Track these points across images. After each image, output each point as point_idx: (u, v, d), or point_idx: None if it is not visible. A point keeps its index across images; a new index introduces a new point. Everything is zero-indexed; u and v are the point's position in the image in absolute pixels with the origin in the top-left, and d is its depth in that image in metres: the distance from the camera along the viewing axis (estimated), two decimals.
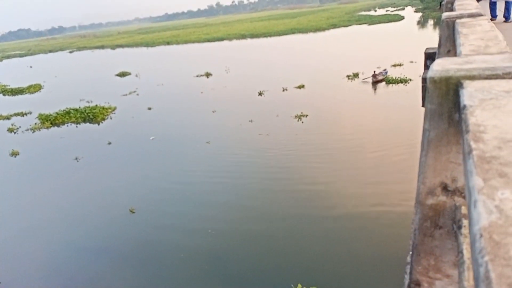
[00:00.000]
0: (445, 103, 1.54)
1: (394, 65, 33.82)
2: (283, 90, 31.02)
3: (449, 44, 3.64)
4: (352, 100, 26.34)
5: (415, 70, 30.37)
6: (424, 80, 3.72)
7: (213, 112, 27.40)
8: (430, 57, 5.37)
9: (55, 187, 17.97)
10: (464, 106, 1.26)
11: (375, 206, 12.93)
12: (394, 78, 29.58)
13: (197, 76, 43.38)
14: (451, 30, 3.55)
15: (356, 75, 32.54)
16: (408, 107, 22.43)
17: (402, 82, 28.67)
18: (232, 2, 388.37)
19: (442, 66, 1.57)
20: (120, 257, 12.10)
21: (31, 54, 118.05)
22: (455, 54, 3.31)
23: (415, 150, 15.88)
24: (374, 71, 30.33)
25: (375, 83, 29.55)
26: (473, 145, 1.01)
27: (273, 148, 19.24)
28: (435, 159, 1.65)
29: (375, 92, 28.37)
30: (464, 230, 1.55)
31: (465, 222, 1.58)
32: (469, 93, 1.34)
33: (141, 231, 13.32)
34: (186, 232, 12.97)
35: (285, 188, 15.09)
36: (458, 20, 3.38)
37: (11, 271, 12.05)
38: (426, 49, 5.73)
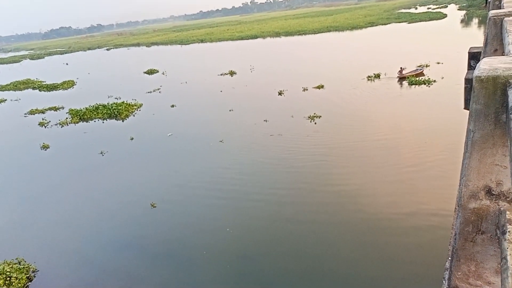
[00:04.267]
0: (491, 103, 1.45)
1: (420, 66, 32.92)
2: (303, 90, 30.95)
3: (496, 43, 3.42)
4: (367, 101, 25.82)
5: (440, 72, 29.82)
6: (467, 81, 3.54)
7: (230, 110, 27.75)
8: (474, 57, 5.11)
9: (82, 180, 18.94)
10: None
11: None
12: (417, 79, 28.87)
13: (221, 74, 43.96)
14: (499, 28, 3.33)
15: (377, 76, 31.99)
16: (430, 110, 21.91)
17: (425, 83, 27.85)
18: None
19: (489, 65, 1.48)
20: (144, 249, 12.58)
21: (71, 52, 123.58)
22: (502, 54, 3.10)
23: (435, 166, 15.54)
24: (401, 67, 31.22)
25: (401, 78, 30.52)
26: None
27: (281, 148, 19.33)
28: (479, 161, 1.56)
29: (396, 91, 27.79)
30: (509, 236, 1.46)
31: (510, 227, 1.50)
32: None
33: (162, 225, 13.84)
34: (204, 226, 13.29)
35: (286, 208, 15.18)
36: (506, 18, 3.16)
37: (48, 258, 12.84)
38: (470, 48, 5.40)
